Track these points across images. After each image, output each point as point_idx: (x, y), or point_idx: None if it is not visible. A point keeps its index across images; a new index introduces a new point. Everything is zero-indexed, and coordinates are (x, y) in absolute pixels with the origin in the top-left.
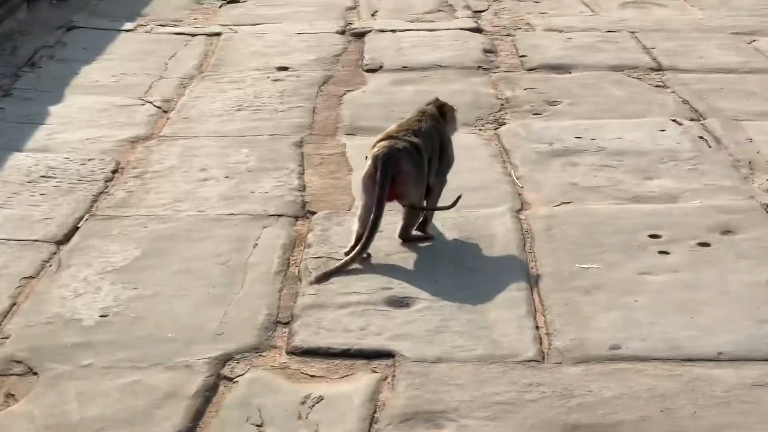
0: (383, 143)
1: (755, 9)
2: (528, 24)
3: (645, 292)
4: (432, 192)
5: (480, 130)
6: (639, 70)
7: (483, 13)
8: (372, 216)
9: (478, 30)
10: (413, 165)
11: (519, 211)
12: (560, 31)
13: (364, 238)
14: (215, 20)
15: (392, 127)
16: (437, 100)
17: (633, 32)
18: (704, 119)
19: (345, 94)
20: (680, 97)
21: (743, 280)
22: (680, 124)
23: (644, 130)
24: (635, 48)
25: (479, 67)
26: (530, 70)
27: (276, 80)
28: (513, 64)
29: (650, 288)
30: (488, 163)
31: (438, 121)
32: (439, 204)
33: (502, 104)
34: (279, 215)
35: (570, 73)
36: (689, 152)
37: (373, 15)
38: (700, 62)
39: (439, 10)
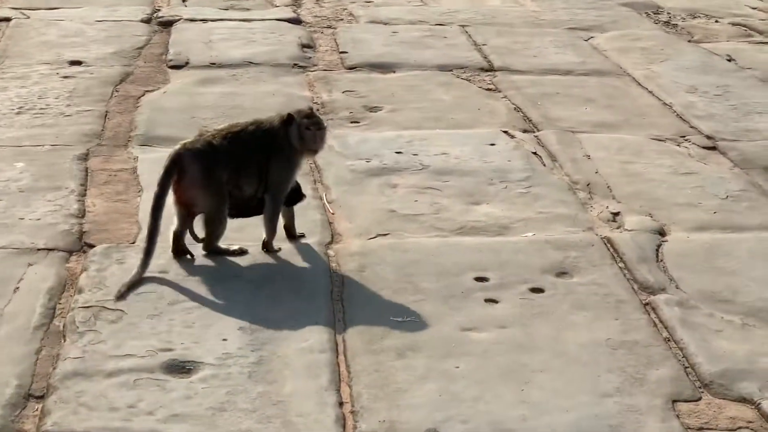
0: (184, 141)
1: (592, 2)
2: (351, 15)
3: (468, 354)
4: (264, 214)
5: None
6: (469, 70)
7: (303, 1)
8: (149, 220)
9: (297, 21)
10: (200, 168)
11: (329, 244)
12: (385, 24)
13: (143, 250)
14: (6, 2)
15: (225, 124)
16: (305, 110)
17: (463, 26)
18: (538, 130)
19: (143, 95)
20: (512, 103)
21: (580, 339)
22: (512, 136)
23: (472, 143)
24: (465, 44)
25: (295, 64)
26: (351, 68)
27: (66, 77)
28: (332, 62)
29: (474, 348)
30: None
31: (271, 134)
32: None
33: (318, 109)
34: (49, 249)
35: (394, 72)
36: (521, 171)
37: (184, 0)
38: (534, 62)
39: None
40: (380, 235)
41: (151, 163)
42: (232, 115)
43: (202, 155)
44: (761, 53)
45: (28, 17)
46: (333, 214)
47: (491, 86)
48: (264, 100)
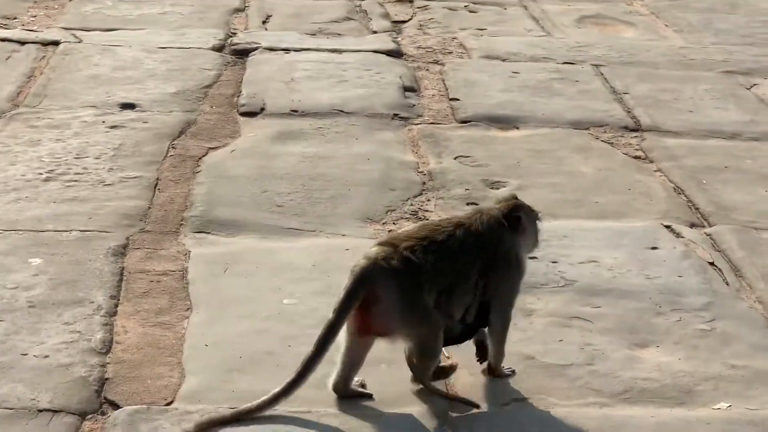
0: (371, 251)
1: (748, 35)
2: (462, 46)
3: None
4: (491, 339)
5: (390, 232)
6: (610, 128)
7: (405, 25)
8: (313, 347)
9: (397, 54)
10: (399, 295)
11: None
12: (503, 60)
13: (288, 381)
14: (59, 20)
15: (414, 226)
16: (513, 199)
17: (597, 65)
18: (710, 225)
19: (206, 153)
20: (670, 181)
21: None
22: (677, 234)
23: (628, 244)
24: (602, 91)
25: (395, 115)
26: (464, 122)
27: (113, 126)
28: (440, 112)
29: None
30: None
31: (495, 232)
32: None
33: (424, 184)
34: (55, 411)
35: (517, 128)
36: (698, 294)
37: (264, 21)
38: (690, 120)
39: (349, 18)
40: (515, 400)
41: (207, 263)
42: (313, 190)
43: (399, 276)
44: None
45: (80, 41)
46: (449, 358)
47: (640, 153)
48: (357, 167)
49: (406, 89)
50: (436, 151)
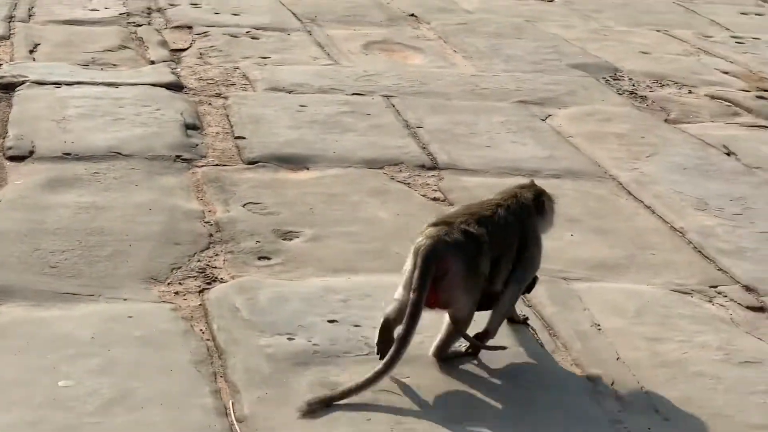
0: (431, 230)
1: (538, 62)
2: (245, 77)
3: None
4: (501, 301)
5: (177, 294)
6: (406, 167)
7: (184, 54)
8: (403, 327)
9: (177, 86)
10: (465, 265)
11: None
12: (289, 92)
13: (388, 355)
14: None
15: (459, 207)
16: (533, 184)
17: (388, 96)
18: None
19: None
20: None
21: None
22: None
23: None
24: (395, 126)
25: (177, 157)
26: (251, 163)
27: None
28: (226, 152)
29: None
30: (186, 379)
31: (527, 211)
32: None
33: (211, 236)
34: None
35: (308, 169)
36: (515, 355)
37: (32, 51)
38: (487, 156)
39: (125, 47)
40: None
41: None
42: (90, 246)
43: (462, 248)
44: (763, 144)
45: None
46: None
47: (438, 194)
48: (138, 218)
49: (189, 127)
50: (222, 198)
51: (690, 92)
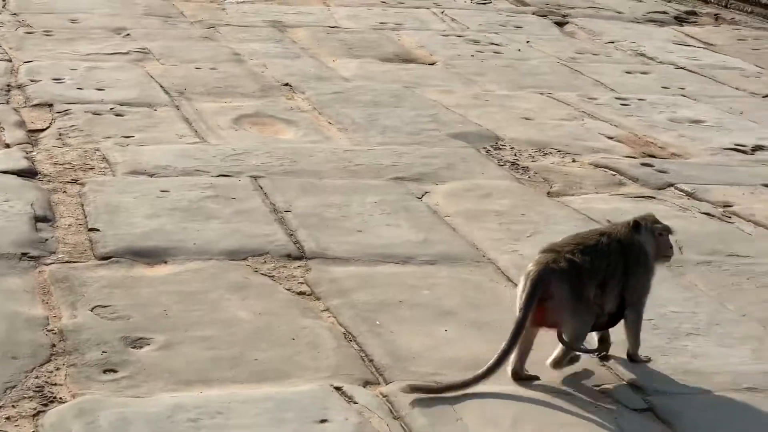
0: (540, 258)
1: (416, 132)
2: (105, 160)
3: None
4: (627, 326)
5: (8, 419)
6: (271, 257)
7: (42, 135)
8: (506, 341)
9: (31, 173)
10: (569, 290)
11: None
12: (151, 176)
13: (488, 364)
14: None
15: (567, 237)
16: (650, 216)
17: (256, 177)
18: (386, 382)
19: None
20: (340, 324)
21: None
22: (350, 398)
23: (291, 420)
24: (262, 210)
25: (24, 254)
26: (104, 258)
27: None
28: (78, 246)
29: None
30: None
31: (628, 239)
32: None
33: (54, 347)
34: None
35: (165, 263)
36: None
37: None
38: (359, 242)
39: None
40: None
41: None
42: None
43: (567, 274)
44: None
45: None
46: None
47: (305, 288)
48: None
49: (39, 219)
50: (70, 301)
51: (573, 161)
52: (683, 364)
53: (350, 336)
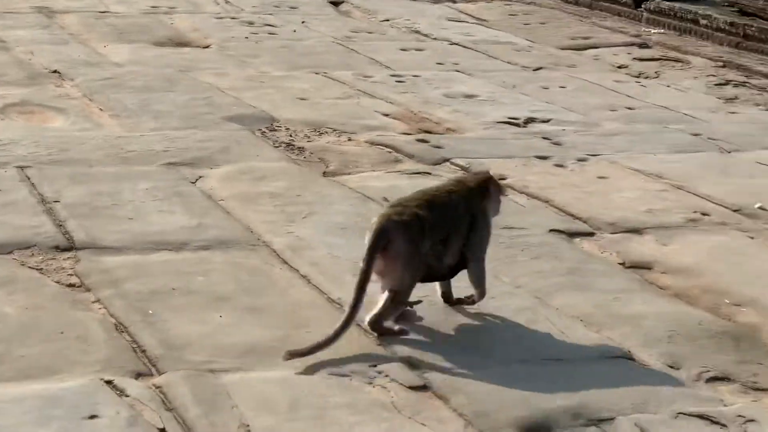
0: (384, 211)
1: (190, 117)
2: None
3: None
4: (471, 271)
5: None
6: (38, 249)
7: None
8: (354, 293)
9: None
10: (407, 241)
11: None
12: None
13: (342, 320)
14: None
15: (416, 192)
16: (487, 174)
17: (23, 167)
18: (160, 373)
19: None
20: (111, 315)
21: None
22: (121, 392)
23: (60, 416)
24: (29, 202)
25: None
26: None
27: None
28: None
29: None
30: None
31: (474, 196)
32: None
33: None
34: None
35: None
36: None
37: None
38: (131, 230)
39: None
40: None
41: None
42: None
43: (408, 227)
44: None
45: None
46: None
47: (74, 279)
48: None
49: None
50: None
51: (350, 140)
52: (459, 340)
53: (122, 327)
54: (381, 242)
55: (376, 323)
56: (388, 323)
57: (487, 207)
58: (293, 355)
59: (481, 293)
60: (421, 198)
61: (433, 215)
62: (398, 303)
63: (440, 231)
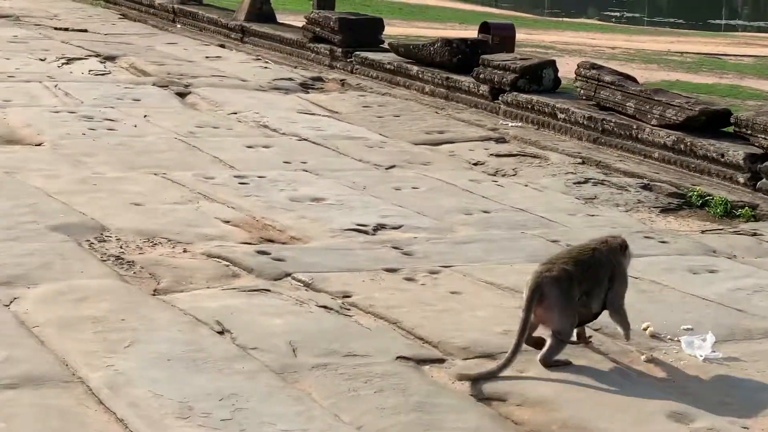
0: (537, 270)
1: (12, 227)
2: None
3: None
4: (616, 312)
5: None
6: None
7: None
8: (516, 336)
9: None
10: (560, 293)
11: None
12: None
13: (505, 358)
14: None
15: (562, 251)
16: (622, 238)
17: None
18: None
19: None
20: None
21: None
22: None
23: None
24: None
25: None
26: None
27: None
28: None
29: None
30: None
31: (615, 254)
32: None
33: None
34: None
35: None
36: None
37: None
38: None
39: None
40: None
41: None
42: None
43: (558, 281)
44: (262, 315)
45: None
46: None
47: None
48: None
49: None
50: None
51: (185, 251)
52: None
53: None
54: (536, 296)
55: (546, 360)
56: (556, 358)
57: (624, 263)
58: (463, 378)
59: (627, 334)
60: (567, 256)
61: (578, 270)
62: (561, 342)
63: (586, 284)
